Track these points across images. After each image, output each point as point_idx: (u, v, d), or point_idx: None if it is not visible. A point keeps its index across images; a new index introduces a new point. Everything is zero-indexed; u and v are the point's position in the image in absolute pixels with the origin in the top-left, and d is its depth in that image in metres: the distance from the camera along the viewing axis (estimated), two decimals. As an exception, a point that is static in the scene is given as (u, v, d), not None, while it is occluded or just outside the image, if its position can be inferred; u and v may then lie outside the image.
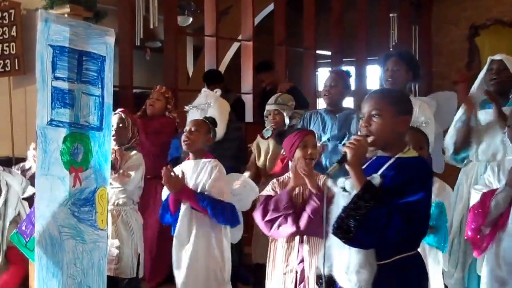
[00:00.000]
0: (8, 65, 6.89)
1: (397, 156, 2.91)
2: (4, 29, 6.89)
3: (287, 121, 5.81)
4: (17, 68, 6.86)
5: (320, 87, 7.72)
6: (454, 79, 10.72)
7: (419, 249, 3.53)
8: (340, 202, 2.85)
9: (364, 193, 2.74)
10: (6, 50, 6.88)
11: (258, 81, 8.24)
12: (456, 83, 9.84)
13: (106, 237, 3.39)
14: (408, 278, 2.88)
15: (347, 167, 2.81)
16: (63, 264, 3.14)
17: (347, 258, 2.85)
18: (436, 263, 4.06)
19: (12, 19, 6.84)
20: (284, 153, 5.46)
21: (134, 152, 4.84)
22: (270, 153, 5.78)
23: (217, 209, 4.33)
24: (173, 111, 6.50)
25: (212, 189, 4.37)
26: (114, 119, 4.69)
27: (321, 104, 8.29)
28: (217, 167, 4.46)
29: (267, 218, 4.15)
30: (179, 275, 4.50)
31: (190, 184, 4.44)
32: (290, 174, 4.32)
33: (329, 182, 3.10)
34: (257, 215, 4.22)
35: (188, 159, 4.60)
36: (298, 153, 4.22)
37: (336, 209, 2.88)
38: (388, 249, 2.82)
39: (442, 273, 4.33)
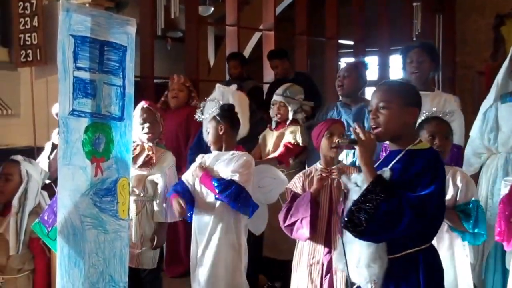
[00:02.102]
0: (30, 55, 6.93)
1: (407, 148, 2.92)
2: (26, 20, 6.92)
3: (290, 116, 5.73)
4: (38, 58, 6.89)
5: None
6: (478, 69, 10.65)
7: (446, 242, 3.54)
8: (354, 197, 2.86)
9: (374, 187, 2.75)
10: (28, 41, 6.91)
11: (271, 68, 8.12)
12: (481, 73, 9.76)
13: (127, 227, 3.39)
14: (420, 272, 2.86)
15: (358, 161, 2.85)
16: (85, 253, 3.15)
17: (358, 253, 2.87)
18: (463, 257, 4.00)
19: (34, 9, 6.87)
20: (293, 142, 5.48)
21: (165, 150, 4.85)
22: (273, 144, 5.74)
23: (229, 191, 4.33)
24: (197, 100, 6.49)
25: (233, 172, 4.38)
26: (146, 115, 4.73)
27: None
28: (245, 157, 4.48)
29: (287, 223, 4.16)
30: (200, 267, 4.55)
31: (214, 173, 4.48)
32: (317, 164, 4.30)
33: (344, 178, 3.13)
34: (280, 218, 4.22)
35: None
36: (324, 142, 4.21)
37: (350, 204, 2.89)
38: (400, 243, 2.82)
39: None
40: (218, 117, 4.58)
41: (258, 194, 4.54)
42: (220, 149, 4.58)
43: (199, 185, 4.53)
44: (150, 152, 4.69)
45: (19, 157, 4.29)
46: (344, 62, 11.61)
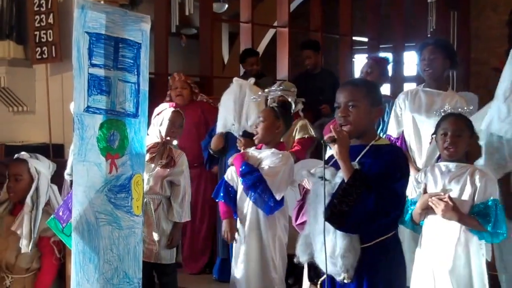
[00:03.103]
0: (45, 52, 6.96)
1: (371, 143, 3.08)
2: (41, 17, 6.95)
3: (292, 106, 5.79)
4: (54, 55, 6.93)
5: (357, 74, 7.65)
6: (493, 65, 10.58)
7: (462, 241, 3.69)
8: (320, 190, 3.01)
9: (354, 181, 2.91)
10: (43, 38, 6.95)
11: (303, 58, 8.06)
12: (496, 70, 9.69)
13: (141, 223, 3.40)
14: (390, 259, 3.08)
15: (336, 157, 2.98)
16: (100, 249, 3.16)
17: (332, 244, 2.99)
18: (479, 256, 3.96)
19: (49, 6, 6.90)
20: (305, 136, 5.49)
21: (181, 152, 4.91)
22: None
23: (256, 187, 4.41)
24: (198, 94, 6.52)
25: (265, 170, 4.44)
26: (176, 119, 4.79)
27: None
28: (285, 157, 4.56)
29: (299, 221, 4.17)
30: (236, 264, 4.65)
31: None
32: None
33: (305, 173, 3.27)
34: (293, 216, 4.23)
35: (259, 147, 4.72)
36: None
37: (315, 197, 3.09)
38: (371, 232, 3.00)
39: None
40: (278, 113, 4.63)
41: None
42: (267, 144, 4.65)
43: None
44: (172, 154, 4.77)
45: (25, 155, 4.26)
46: (358, 58, 11.61)
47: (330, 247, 2.99)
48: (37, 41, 7.03)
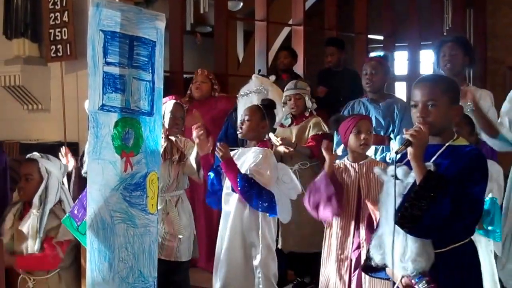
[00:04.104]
0: (60, 50, 6.96)
1: (448, 144, 2.90)
2: (56, 15, 6.95)
3: (309, 104, 5.80)
4: (69, 53, 6.93)
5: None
6: (510, 64, 10.52)
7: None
8: (391, 190, 2.85)
9: (426, 183, 2.71)
10: (58, 36, 6.95)
11: (326, 55, 8.01)
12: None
13: (156, 221, 3.39)
14: (464, 266, 2.88)
15: (409, 157, 2.79)
16: (115, 248, 3.16)
17: (402, 247, 2.84)
18: (488, 253, 3.97)
19: (64, 4, 6.90)
20: (319, 133, 5.47)
21: (187, 139, 4.90)
22: (294, 138, 5.72)
23: (252, 191, 4.31)
24: (218, 92, 6.54)
25: (251, 169, 4.35)
26: (177, 111, 4.80)
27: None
28: (265, 153, 4.45)
29: (312, 204, 4.15)
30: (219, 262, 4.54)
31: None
32: (345, 159, 4.30)
33: (377, 170, 3.15)
34: (305, 203, 4.21)
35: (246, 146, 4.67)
36: (352, 138, 4.20)
37: (386, 197, 2.92)
38: (444, 237, 2.81)
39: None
40: (265, 113, 4.60)
41: (281, 186, 4.52)
42: (250, 139, 4.61)
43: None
44: (179, 146, 4.76)
45: (36, 155, 4.27)
46: (365, 58, 11.54)
47: (400, 250, 2.86)
48: (52, 39, 7.04)
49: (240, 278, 4.44)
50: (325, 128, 5.63)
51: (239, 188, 4.30)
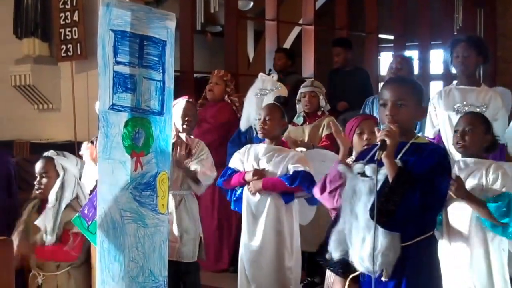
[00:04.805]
0: (71, 49, 7.00)
1: (411, 141, 3.05)
2: (66, 14, 6.99)
3: (322, 103, 5.84)
4: (79, 53, 6.96)
5: (383, 71, 7.62)
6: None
7: (481, 237, 3.74)
8: (360, 187, 3.01)
9: (399, 179, 2.88)
10: (68, 35, 6.99)
11: (333, 55, 8.03)
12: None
13: (166, 221, 3.39)
14: (429, 258, 3.07)
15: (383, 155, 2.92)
16: (125, 247, 3.15)
17: (370, 242, 2.95)
18: (499, 251, 3.94)
19: (74, 4, 6.93)
20: (331, 131, 5.48)
21: (199, 141, 4.92)
22: (307, 137, 5.73)
23: (300, 179, 4.43)
24: (233, 94, 6.49)
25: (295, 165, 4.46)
26: (189, 109, 4.83)
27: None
28: (295, 152, 4.63)
29: (327, 190, 4.14)
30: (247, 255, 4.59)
31: (263, 166, 4.56)
32: (353, 157, 4.29)
33: (341, 167, 3.28)
34: (316, 191, 4.20)
35: (264, 143, 4.69)
36: (355, 138, 4.21)
37: (351, 193, 3.06)
38: (411, 231, 2.98)
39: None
40: (283, 111, 4.63)
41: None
42: (272, 139, 4.63)
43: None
44: (188, 144, 4.77)
45: (52, 153, 4.31)
46: (384, 56, 11.54)
47: (369, 245, 2.96)
48: (62, 38, 7.07)
49: (272, 278, 4.52)
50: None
51: (289, 183, 4.44)
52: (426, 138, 4.61)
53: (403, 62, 5.30)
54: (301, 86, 5.93)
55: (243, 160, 4.66)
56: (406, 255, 2.98)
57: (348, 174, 3.13)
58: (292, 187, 4.44)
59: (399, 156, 2.97)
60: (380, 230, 2.93)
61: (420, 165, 2.93)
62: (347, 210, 3.09)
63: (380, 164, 2.94)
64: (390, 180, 2.90)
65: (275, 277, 4.51)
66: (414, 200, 2.84)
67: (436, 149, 3.11)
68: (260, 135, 4.67)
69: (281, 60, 7.78)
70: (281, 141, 4.70)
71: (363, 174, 3.00)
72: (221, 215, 6.17)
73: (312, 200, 4.51)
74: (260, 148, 4.64)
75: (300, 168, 4.44)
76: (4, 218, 4.38)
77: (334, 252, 3.17)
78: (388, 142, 2.88)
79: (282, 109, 4.64)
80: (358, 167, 3.05)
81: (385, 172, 2.93)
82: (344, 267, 3.42)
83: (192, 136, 4.90)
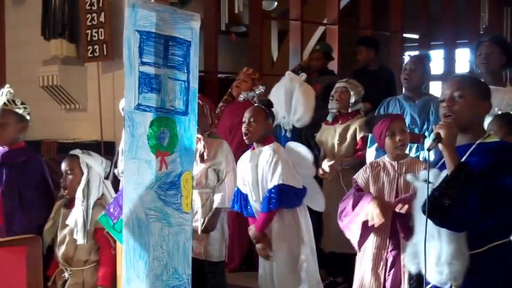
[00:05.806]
0: (97, 50, 7.06)
1: (478, 142, 2.89)
2: (93, 16, 7.05)
3: (352, 100, 5.74)
4: (105, 53, 7.02)
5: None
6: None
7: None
8: (425, 193, 2.79)
9: (458, 173, 2.69)
10: (95, 36, 7.04)
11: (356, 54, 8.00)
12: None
13: (191, 220, 3.42)
14: (502, 267, 2.82)
15: (440, 147, 2.77)
16: (150, 246, 3.18)
17: (437, 250, 2.80)
18: None
19: (101, 5, 6.99)
20: (367, 135, 5.45)
21: (220, 140, 4.91)
22: (337, 137, 5.70)
23: (282, 202, 4.40)
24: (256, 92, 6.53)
25: (277, 178, 4.39)
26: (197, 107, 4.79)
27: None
28: (275, 152, 4.47)
29: (342, 223, 4.17)
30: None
31: (249, 174, 4.52)
32: (385, 157, 4.28)
33: (409, 177, 3.14)
34: (340, 209, 4.22)
35: (253, 148, 4.64)
36: (387, 142, 4.18)
37: (420, 204, 2.86)
38: (480, 237, 2.77)
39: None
40: (267, 113, 4.60)
41: (300, 172, 4.55)
42: (257, 142, 4.58)
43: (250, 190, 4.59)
44: (201, 144, 4.75)
45: (77, 151, 4.41)
46: (408, 55, 11.47)
47: (435, 254, 2.81)
48: (89, 39, 7.13)
49: (288, 274, 4.51)
50: None
51: (272, 207, 4.41)
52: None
53: (417, 63, 5.24)
54: (338, 81, 5.90)
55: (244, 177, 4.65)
56: (477, 264, 2.77)
57: (415, 183, 3.03)
58: (274, 210, 4.42)
59: (463, 158, 2.81)
60: (444, 236, 2.78)
61: (480, 164, 2.76)
62: (418, 221, 2.96)
63: (441, 168, 2.85)
64: (449, 173, 2.73)
65: (290, 273, 4.51)
66: (472, 200, 2.64)
67: (502, 144, 2.92)
68: (246, 140, 4.61)
69: (320, 60, 7.70)
70: (269, 140, 4.60)
71: (428, 181, 2.80)
72: (232, 216, 6.18)
73: (292, 205, 4.51)
74: (247, 156, 4.64)
75: (270, 186, 4.40)
76: (46, 217, 4.46)
77: (410, 266, 3.06)
78: (442, 133, 2.74)
79: (266, 111, 4.57)
80: (423, 174, 2.93)
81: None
82: (416, 282, 3.31)
83: (214, 132, 4.90)
